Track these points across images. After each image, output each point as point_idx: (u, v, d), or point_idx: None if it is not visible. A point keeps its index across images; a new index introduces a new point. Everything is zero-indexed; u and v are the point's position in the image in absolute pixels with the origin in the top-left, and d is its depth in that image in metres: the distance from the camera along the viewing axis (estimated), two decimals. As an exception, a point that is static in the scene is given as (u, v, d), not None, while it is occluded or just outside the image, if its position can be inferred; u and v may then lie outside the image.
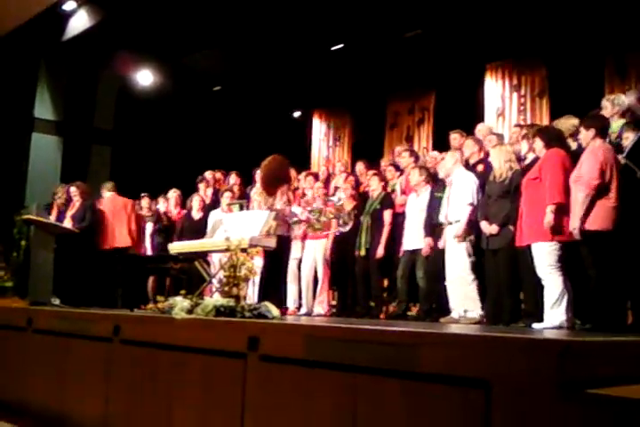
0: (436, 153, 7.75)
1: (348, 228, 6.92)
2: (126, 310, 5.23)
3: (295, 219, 6.90)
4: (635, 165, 4.61)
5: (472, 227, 5.58)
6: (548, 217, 4.58)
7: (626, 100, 5.32)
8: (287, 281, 7.16)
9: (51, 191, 8.95)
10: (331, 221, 6.98)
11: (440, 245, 5.82)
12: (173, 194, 8.66)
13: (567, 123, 5.35)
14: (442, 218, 5.83)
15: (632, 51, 8.47)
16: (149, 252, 8.34)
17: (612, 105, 5.26)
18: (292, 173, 7.96)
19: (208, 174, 9.09)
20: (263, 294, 6.29)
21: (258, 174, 7.46)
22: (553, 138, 4.92)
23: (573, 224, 4.44)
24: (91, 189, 8.59)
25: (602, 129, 4.59)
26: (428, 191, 6.30)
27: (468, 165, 6.12)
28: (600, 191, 4.38)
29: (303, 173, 8.16)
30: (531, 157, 5.40)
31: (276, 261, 6.50)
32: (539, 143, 4.95)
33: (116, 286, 7.81)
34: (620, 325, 4.29)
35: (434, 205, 6.07)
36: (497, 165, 5.46)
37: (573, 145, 5.17)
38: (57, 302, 6.71)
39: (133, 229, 7.97)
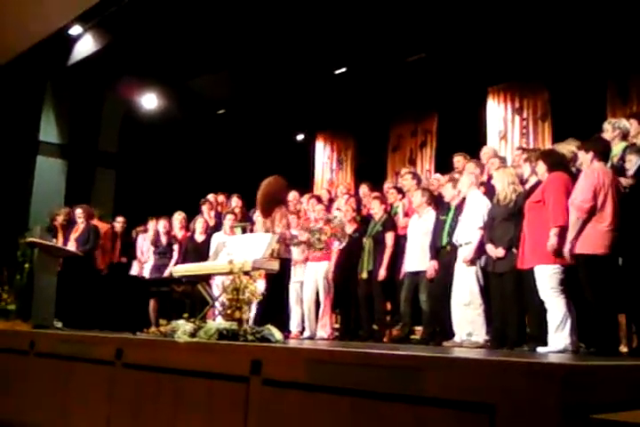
0: (438, 175, 7.78)
1: (343, 244, 6.91)
2: (129, 334, 5.21)
3: (295, 240, 6.90)
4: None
5: (480, 250, 5.58)
6: (552, 240, 4.57)
7: (627, 124, 5.35)
8: (290, 304, 7.15)
9: (52, 214, 8.99)
10: (331, 240, 6.99)
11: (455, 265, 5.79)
12: (178, 216, 8.69)
13: (567, 147, 5.37)
14: (452, 239, 5.82)
15: (634, 74, 8.52)
16: (148, 273, 8.34)
17: (612, 128, 5.29)
18: (291, 195, 7.99)
19: (211, 197, 9.13)
20: (265, 318, 6.27)
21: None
22: (556, 162, 4.93)
23: (565, 247, 4.45)
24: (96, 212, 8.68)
25: (601, 152, 4.60)
26: (431, 213, 6.31)
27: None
28: (593, 214, 4.38)
29: (306, 196, 8.18)
30: (533, 180, 5.41)
31: (278, 284, 6.50)
32: (541, 167, 4.97)
33: (118, 308, 7.80)
34: (614, 348, 4.26)
35: (438, 228, 6.08)
36: (500, 188, 5.47)
37: (574, 169, 5.19)
38: (59, 325, 6.70)
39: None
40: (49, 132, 11.78)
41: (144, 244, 8.75)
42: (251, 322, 5.43)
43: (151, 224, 8.78)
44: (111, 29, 10.29)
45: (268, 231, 5.78)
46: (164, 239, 8.34)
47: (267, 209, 5.89)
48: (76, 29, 10.60)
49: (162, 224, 8.48)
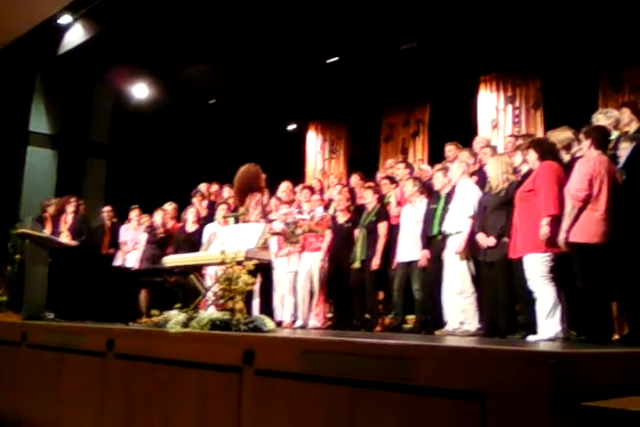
0: (426, 166, 7.81)
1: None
2: (121, 324, 5.20)
3: (272, 231, 6.87)
4: (631, 175, 4.61)
5: (471, 239, 5.59)
6: (544, 229, 4.58)
7: (617, 114, 5.34)
8: (283, 294, 7.15)
9: (44, 204, 8.94)
10: (308, 236, 7.01)
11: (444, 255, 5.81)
12: (168, 207, 8.65)
13: (561, 135, 5.36)
14: (442, 228, 5.83)
15: (626, 63, 8.53)
16: (138, 264, 8.31)
17: (605, 117, 5.29)
18: (284, 185, 7.97)
19: (203, 187, 9.10)
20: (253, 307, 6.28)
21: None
22: (546, 150, 4.93)
23: (560, 235, 4.46)
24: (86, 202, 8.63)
25: (598, 140, 4.59)
26: (423, 203, 6.31)
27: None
28: (588, 203, 4.39)
29: (299, 186, 8.17)
30: (524, 168, 5.41)
31: (266, 274, 6.49)
32: (532, 155, 4.97)
33: (110, 299, 7.79)
34: (607, 336, 4.28)
35: (429, 217, 6.08)
36: (493, 176, 5.47)
37: (566, 157, 5.19)
38: (51, 316, 6.68)
39: None
40: (39, 122, 11.71)
41: (127, 233, 8.71)
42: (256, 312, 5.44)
43: (133, 214, 8.73)
44: (101, 19, 10.21)
45: (246, 220, 5.74)
46: (160, 230, 8.31)
47: (240, 197, 5.85)
48: (65, 19, 10.52)
49: (159, 215, 8.45)
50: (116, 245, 8.73)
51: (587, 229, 4.36)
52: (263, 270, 6.16)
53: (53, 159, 11.79)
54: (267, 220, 5.88)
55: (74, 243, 7.96)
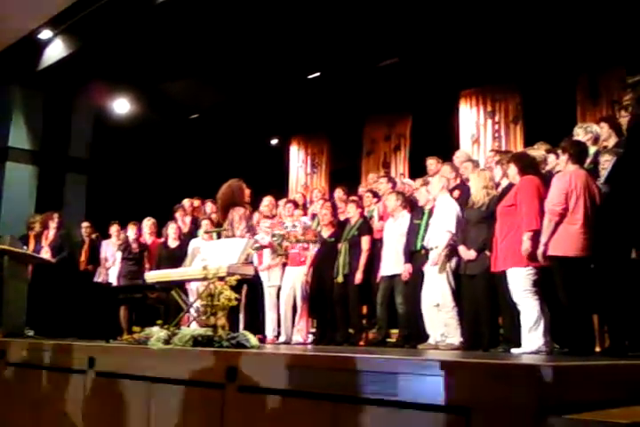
0: (409, 180, 7.85)
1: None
2: (101, 342, 5.14)
3: (257, 245, 6.81)
4: (613, 188, 4.66)
5: (452, 253, 5.60)
6: (525, 244, 4.61)
7: (597, 129, 5.41)
8: (265, 309, 7.11)
9: (25, 221, 8.85)
10: (293, 247, 6.98)
11: (424, 268, 5.82)
12: (147, 222, 8.60)
13: (538, 151, 5.43)
14: (424, 243, 5.85)
15: (603, 77, 8.65)
16: (116, 280, 8.24)
17: (584, 132, 5.36)
18: (266, 199, 7.96)
19: (186, 202, 9.06)
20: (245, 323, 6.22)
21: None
22: (527, 165, 4.98)
23: (539, 249, 4.49)
24: (66, 218, 8.55)
25: (575, 154, 4.64)
26: (406, 217, 6.33)
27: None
28: (565, 217, 4.42)
29: (282, 201, 8.17)
30: (504, 183, 5.46)
31: (252, 289, 6.44)
32: (513, 169, 5.01)
33: (90, 316, 7.71)
34: (589, 348, 4.31)
35: (413, 232, 6.10)
36: (474, 191, 5.51)
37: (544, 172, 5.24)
38: (31, 333, 6.59)
39: None
40: (19, 137, 11.59)
41: (107, 249, 8.64)
42: (241, 328, 5.39)
43: (113, 229, 8.68)
44: (81, 34, 10.19)
45: (228, 235, 5.71)
46: (134, 245, 8.24)
47: (223, 212, 5.83)
48: (45, 34, 10.49)
49: (132, 230, 8.38)
50: (95, 261, 8.64)
51: (565, 242, 4.40)
52: (250, 285, 6.10)
53: (33, 175, 11.67)
54: (252, 234, 5.84)
55: (53, 260, 7.87)
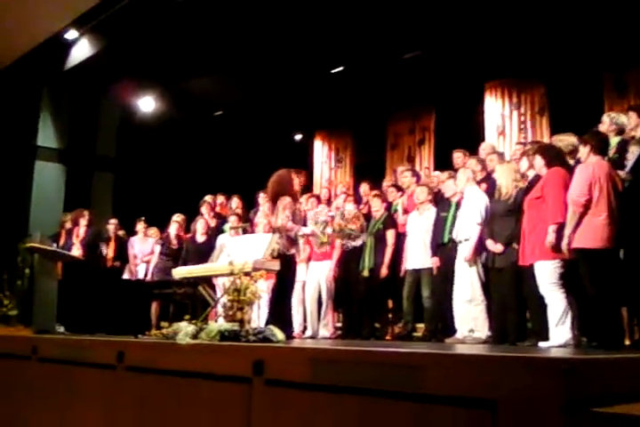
0: (438, 173, 7.77)
1: (360, 241, 6.81)
2: (130, 337, 5.20)
3: (300, 232, 6.72)
4: (637, 177, 4.59)
5: (480, 246, 5.57)
6: (550, 237, 4.56)
7: (625, 120, 5.32)
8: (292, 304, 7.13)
9: (54, 219, 8.99)
10: (335, 237, 6.92)
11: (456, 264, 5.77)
12: (177, 218, 8.67)
13: (565, 141, 5.35)
14: (452, 235, 5.81)
15: (630, 67, 8.52)
16: (150, 276, 8.31)
17: (610, 122, 5.27)
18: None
19: (209, 198, 9.11)
20: (272, 317, 6.21)
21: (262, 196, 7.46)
22: (554, 156, 4.92)
23: (563, 241, 4.44)
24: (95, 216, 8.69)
25: (598, 146, 4.57)
26: (432, 211, 6.30)
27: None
28: (589, 208, 4.37)
29: (305, 196, 8.17)
30: (530, 174, 5.40)
31: (283, 282, 6.44)
32: (539, 161, 4.96)
33: (120, 312, 7.80)
34: (618, 342, 4.25)
35: (439, 224, 6.07)
36: (502, 183, 5.46)
37: (572, 163, 5.17)
38: (61, 329, 6.70)
39: None
40: (47, 137, 11.78)
41: (138, 246, 8.72)
42: (262, 322, 5.42)
43: (139, 226, 8.76)
44: (107, 33, 10.29)
45: (273, 226, 5.71)
46: (174, 241, 8.31)
47: (273, 202, 5.81)
48: (71, 34, 10.60)
49: (173, 227, 8.43)
50: (122, 257, 8.73)
51: (590, 234, 4.34)
52: (280, 279, 5.98)
53: (61, 173, 11.85)
54: (297, 223, 5.77)
55: (82, 257, 7.98)
